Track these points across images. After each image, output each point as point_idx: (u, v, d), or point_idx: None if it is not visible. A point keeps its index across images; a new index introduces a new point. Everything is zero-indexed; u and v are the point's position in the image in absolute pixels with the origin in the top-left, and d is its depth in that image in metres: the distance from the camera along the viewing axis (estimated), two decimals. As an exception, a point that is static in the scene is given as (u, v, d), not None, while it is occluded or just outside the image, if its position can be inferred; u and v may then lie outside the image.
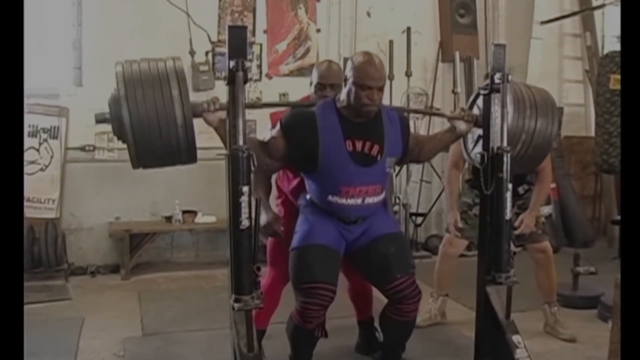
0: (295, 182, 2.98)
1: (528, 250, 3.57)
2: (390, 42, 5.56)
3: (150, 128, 2.30)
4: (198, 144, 2.40)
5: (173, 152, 2.39)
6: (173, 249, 5.34)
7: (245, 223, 2.29)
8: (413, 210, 5.80)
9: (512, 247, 2.79)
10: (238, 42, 2.33)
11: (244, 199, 2.28)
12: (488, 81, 2.76)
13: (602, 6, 6.07)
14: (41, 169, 4.82)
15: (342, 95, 2.65)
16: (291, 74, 5.55)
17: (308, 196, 2.81)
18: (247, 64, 2.30)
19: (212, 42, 5.22)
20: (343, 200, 2.68)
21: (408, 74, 5.66)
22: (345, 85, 2.65)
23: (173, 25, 5.08)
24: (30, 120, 4.72)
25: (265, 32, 5.47)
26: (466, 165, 3.64)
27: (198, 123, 2.39)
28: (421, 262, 4.76)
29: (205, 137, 2.73)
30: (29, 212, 4.59)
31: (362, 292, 3.22)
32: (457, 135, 2.89)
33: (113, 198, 5.00)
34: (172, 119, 2.32)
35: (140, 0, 5.04)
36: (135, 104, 2.29)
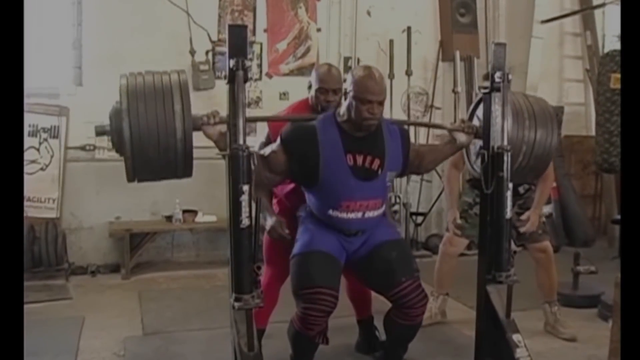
0: (289, 187, 2.96)
1: (528, 249, 3.57)
2: (391, 41, 5.58)
3: (149, 141, 2.30)
4: (198, 142, 2.40)
5: (170, 165, 2.39)
6: (173, 249, 5.34)
7: (245, 222, 2.29)
8: (413, 209, 5.80)
9: (513, 246, 2.79)
10: (238, 41, 2.34)
11: (244, 198, 2.28)
12: (488, 81, 2.76)
13: (602, 5, 6.06)
14: (41, 169, 4.82)
15: (343, 109, 2.65)
16: (291, 73, 5.55)
17: (308, 208, 2.80)
18: (248, 63, 2.31)
19: (212, 42, 5.22)
20: (343, 215, 2.67)
21: (408, 73, 5.67)
22: (345, 99, 2.65)
23: (173, 24, 5.08)
24: (30, 119, 4.71)
25: (265, 31, 5.47)
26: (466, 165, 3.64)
27: (197, 135, 2.39)
28: (421, 262, 4.67)
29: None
30: (29, 211, 4.60)
31: (361, 291, 3.21)
32: (457, 147, 2.88)
33: (113, 197, 4.99)
34: (172, 132, 2.31)
35: (141, 0, 5.03)
36: (136, 117, 2.28)
